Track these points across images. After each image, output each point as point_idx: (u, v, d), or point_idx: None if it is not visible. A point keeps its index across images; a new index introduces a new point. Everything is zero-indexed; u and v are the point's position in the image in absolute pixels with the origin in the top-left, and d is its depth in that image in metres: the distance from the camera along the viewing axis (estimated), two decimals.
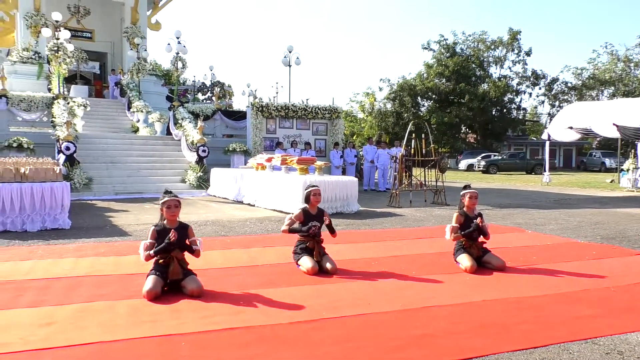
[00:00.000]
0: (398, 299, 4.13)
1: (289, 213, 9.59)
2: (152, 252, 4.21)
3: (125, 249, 6.04)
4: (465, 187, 5.37)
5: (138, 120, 18.33)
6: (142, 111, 18.10)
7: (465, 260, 5.08)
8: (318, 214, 5.13)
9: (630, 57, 40.90)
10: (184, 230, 4.33)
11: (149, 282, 4.10)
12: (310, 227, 5.02)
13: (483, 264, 5.15)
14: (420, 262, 5.50)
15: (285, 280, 4.70)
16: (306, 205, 5.20)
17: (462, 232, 5.13)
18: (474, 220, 5.12)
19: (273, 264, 5.36)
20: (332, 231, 5.20)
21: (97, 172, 13.14)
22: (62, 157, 12.15)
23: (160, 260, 4.24)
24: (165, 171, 14.44)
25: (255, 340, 3.22)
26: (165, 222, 4.33)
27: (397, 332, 3.40)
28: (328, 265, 4.94)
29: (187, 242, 4.35)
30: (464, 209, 5.24)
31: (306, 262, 4.95)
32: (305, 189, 5.29)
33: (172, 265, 4.20)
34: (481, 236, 5.22)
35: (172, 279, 4.19)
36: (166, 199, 4.28)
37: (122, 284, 4.49)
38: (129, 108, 19.29)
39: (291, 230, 5.10)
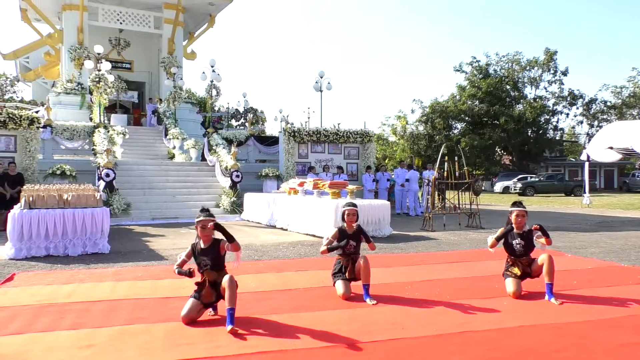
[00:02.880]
0: (432, 324, 4.06)
1: (321, 237, 9.65)
2: (176, 270, 4.23)
3: (162, 273, 6.17)
4: (514, 203, 5.12)
5: (174, 147, 18.84)
6: (177, 138, 18.62)
7: (509, 285, 4.96)
8: (355, 233, 5.06)
9: None
10: (215, 247, 4.20)
11: (186, 306, 4.11)
12: (347, 243, 4.96)
13: (532, 272, 4.96)
14: (455, 287, 5.40)
15: (318, 304, 4.70)
16: (343, 224, 5.12)
17: (497, 238, 5.00)
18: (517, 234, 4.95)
19: (306, 288, 5.36)
20: (368, 241, 5.10)
21: (135, 197, 13.52)
22: (102, 184, 12.57)
23: (196, 282, 4.24)
24: (200, 196, 14.71)
25: None
26: (200, 240, 4.26)
27: (432, 357, 3.34)
28: (361, 261, 4.84)
29: (221, 256, 4.22)
30: (511, 226, 5.02)
31: (339, 288, 4.94)
32: (342, 208, 5.20)
33: (204, 289, 4.16)
34: (530, 252, 4.99)
35: (206, 302, 4.17)
36: (201, 218, 4.19)
37: (159, 307, 4.57)
38: (166, 135, 19.88)
39: (330, 249, 4.96)
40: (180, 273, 4.22)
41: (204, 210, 4.26)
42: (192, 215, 13.24)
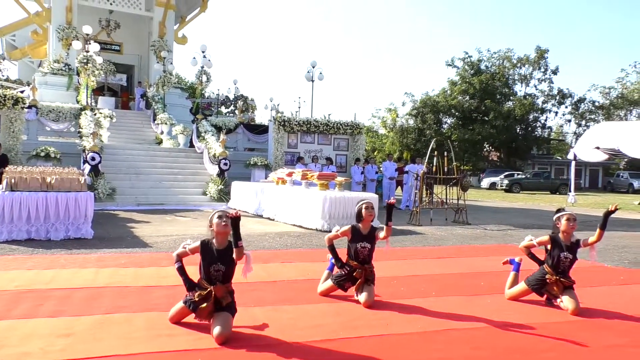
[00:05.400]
0: (417, 321, 4.04)
1: (308, 228, 9.62)
2: (176, 265, 3.72)
3: (145, 261, 6.08)
4: (559, 210, 4.66)
5: (162, 132, 18.59)
6: (166, 123, 18.37)
7: (514, 289, 4.74)
8: (370, 234, 4.53)
9: None
10: (231, 252, 3.50)
11: (175, 308, 3.75)
12: (357, 251, 4.46)
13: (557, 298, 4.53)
14: (441, 283, 5.40)
15: (303, 297, 4.65)
16: (358, 223, 4.59)
17: (544, 262, 4.58)
18: (565, 252, 4.46)
19: (291, 280, 5.32)
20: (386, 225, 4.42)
21: (120, 182, 13.33)
22: (87, 167, 12.37)
23: (196, 295, 3.59)
24: (187, 183, 14.57)
25: (272, 358, 3.18)
26: (214, 239, 3.61)
27: (416, 355, 3.32)
28: (362, 298, 4.39)
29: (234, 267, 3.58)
30: (560, 234, 4.57)
31: (323, 284, 4.75)
32: (357, 204, 4.65)
33: (207, 303, 3.52)
34: (570, 271, 4.56)
35: (200, 317, 3.61)
36: (218, 209, 3.66)
37: (141, 296, 4.50)
38: (154, 120, 19.61)
39: (331, 248, 4.64)
40: (181, 274, 3.66)
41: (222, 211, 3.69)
42: (179, 202, 13.25)
